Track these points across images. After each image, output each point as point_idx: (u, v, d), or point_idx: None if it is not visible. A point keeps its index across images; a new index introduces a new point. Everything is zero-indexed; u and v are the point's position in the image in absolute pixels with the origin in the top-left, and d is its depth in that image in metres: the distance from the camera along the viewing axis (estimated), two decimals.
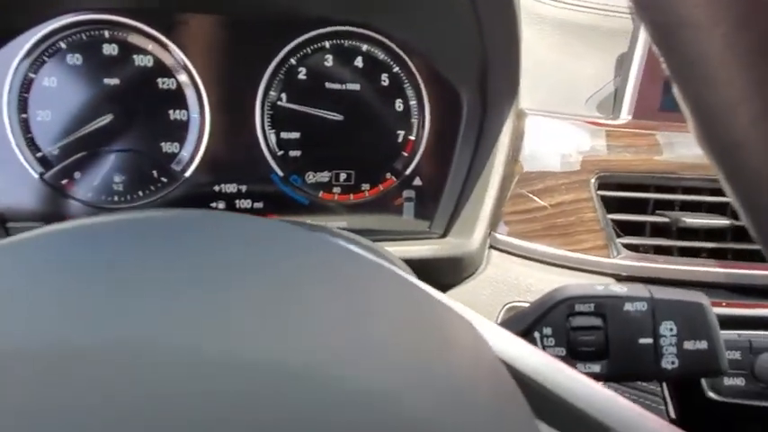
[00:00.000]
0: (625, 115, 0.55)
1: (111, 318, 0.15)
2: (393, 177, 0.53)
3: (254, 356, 0.14)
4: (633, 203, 0.51)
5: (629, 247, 0.50)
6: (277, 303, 0.17)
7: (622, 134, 0.53)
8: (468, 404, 0.16)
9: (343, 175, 0.52)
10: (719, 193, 0.50)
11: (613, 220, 0.50)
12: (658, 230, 0.52)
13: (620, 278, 0.49)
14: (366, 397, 0.14)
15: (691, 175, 0.52)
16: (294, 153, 0.51)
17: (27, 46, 0.45)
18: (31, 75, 0.46)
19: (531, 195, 0.50)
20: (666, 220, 0.50)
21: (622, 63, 0.59)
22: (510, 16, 0.46)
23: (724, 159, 0.19)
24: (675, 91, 0.19)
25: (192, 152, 0.49)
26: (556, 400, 0.19)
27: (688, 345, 0.32)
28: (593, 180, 0.49)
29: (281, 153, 0.51)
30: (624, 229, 0.51)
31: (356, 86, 0.52)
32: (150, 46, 0.47)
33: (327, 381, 0.14)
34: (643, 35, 0.55)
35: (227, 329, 0.15)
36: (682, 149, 0.52)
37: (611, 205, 0.50)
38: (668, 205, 0.52)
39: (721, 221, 0.51)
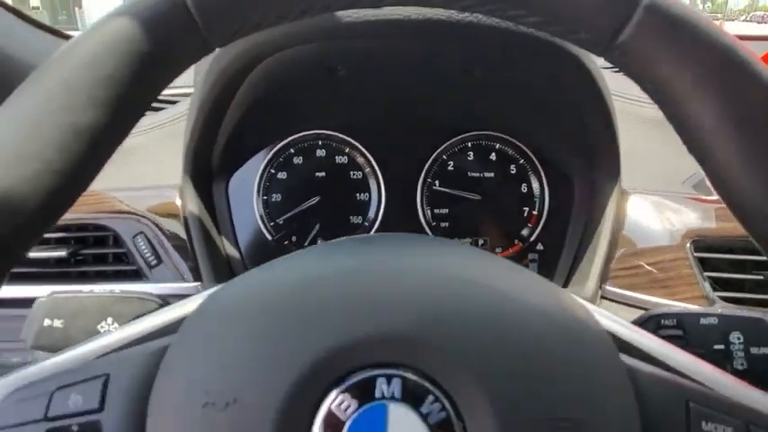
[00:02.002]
0: None
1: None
2: (520, 243, 0.68)
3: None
4: (728, 264, 0.60)
5: (726, 299, 0.59)
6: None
7: (719, 208, 0.63)
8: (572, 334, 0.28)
9: (480, 242, 0.68)
10: None
11: (710, 277, 0.60)
12: (756, 289, 0.60)
13: None
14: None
15: None
16: (444, 224, 0.68)
17: (271, 153, 0.68)
18: (272, 171, 0.69)
19: (635, 255, 0.61)
20: (761, 277, 0.59)
21: None
22: (607, 119, 0.60)
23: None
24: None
25: (371, 223, 0.68)
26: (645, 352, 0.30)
27: (754, 350, 0.41)
28: (688, 244, 0.60)
29: (434, 224, 0.68)
30: (720, 285, 0.60)
31: (491, 174, 0.69)
32: (347, 149, 0.69)
33: (497, 298, 0.28)
34: None
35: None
36: None
37: (707, 265, 0.60)
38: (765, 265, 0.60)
39: None
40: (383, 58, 0.56)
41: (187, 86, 0.82)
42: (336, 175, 0.69)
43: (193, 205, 0.63)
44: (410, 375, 0.24)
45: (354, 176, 0.69)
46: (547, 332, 0.26)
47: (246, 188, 0.68)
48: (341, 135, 0.69)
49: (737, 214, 0.29)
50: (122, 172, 0.70)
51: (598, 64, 0.57)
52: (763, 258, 0.60)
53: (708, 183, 0.37)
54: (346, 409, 0.23)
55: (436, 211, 0.69)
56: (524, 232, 0.68)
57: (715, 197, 0.65)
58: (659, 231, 0.62)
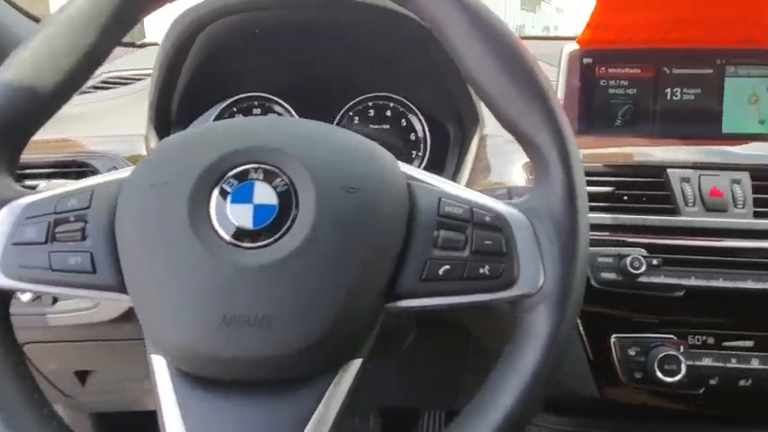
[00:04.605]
0: None
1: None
2: None
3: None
4: None
5: None
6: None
7: None
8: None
9: None
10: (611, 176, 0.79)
11: None
12: None
13: None
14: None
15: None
16: None
17: (218, 110, 0.89)
18: None
19: (489, 179, 0.82)
20: None
21: None
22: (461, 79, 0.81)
23: None
24: None
25: None
26: None
27: None
28: (520, 167, 0.80)
29: None
30: None
31: (387, 126, 0.90)
32: (277, 108, 0.89)
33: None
34: (560, 85, 0.88)
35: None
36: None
37: None
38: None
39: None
40: (295, 28, 0.77)
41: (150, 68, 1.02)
42: None
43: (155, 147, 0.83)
44: (268, 167, 0.39)
45: None
46: (352, 146, 0.43)
47: None
48: (271, 96, 0.89)
49: (487, 104, 0.44)
50: (98, 124, 0.90)
51: None
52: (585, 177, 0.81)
53: None
54: (231, 186, 0.38)
55: None
56: None
57: None
58: (509, 162, 0.82)
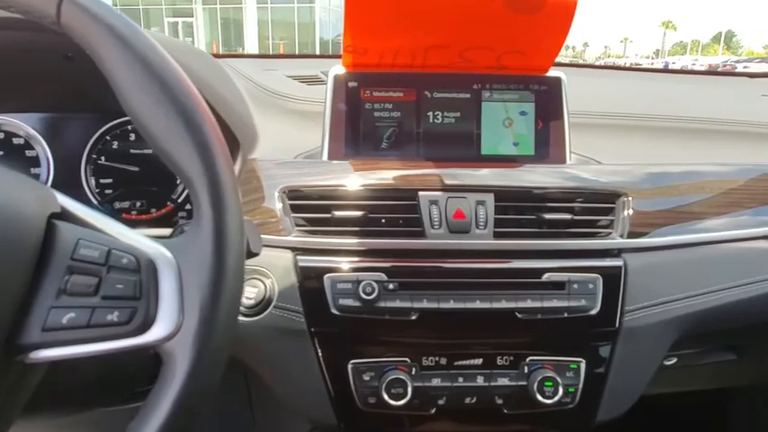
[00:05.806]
0: (325, 158, 0.86)
1: None
2: (172, 204, 0.85)
3: None
4: (313, 207, 0.80)
5: (306, 231, 0.78)
6: None
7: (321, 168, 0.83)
8: None
9: (138, 203, 0.84)
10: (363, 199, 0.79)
11: (297, 216, 0.78)
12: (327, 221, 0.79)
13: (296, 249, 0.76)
14: None
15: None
16: (108, 191, 0.83)
17: None
18: None
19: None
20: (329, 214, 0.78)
21: None
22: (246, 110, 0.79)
23: None
24: None
25: None
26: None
27: None
28: (277, 193, 0.79)
29: (98, 191, 0.83)
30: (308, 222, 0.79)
31: (149, 151, 0.85)
32: (22, 132, 0.82)
33: None
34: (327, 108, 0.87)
35: None
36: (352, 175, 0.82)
37: (296, 208, 0.79)
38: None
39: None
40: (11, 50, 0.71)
41: None
42: (14, 153, 0.82)
43: None
44: None
45: (30, 154, 0.82)
46: None
47: None
48: (16, 121, 0.82)
49: (142, 131, 0.41)
50: None
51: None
52: (340, 202, 0.81)
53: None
54: None
55: (101, 180, 0.83)
56: (174, 196, 0.85)
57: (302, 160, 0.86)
58: (272, 186, 0.80)
